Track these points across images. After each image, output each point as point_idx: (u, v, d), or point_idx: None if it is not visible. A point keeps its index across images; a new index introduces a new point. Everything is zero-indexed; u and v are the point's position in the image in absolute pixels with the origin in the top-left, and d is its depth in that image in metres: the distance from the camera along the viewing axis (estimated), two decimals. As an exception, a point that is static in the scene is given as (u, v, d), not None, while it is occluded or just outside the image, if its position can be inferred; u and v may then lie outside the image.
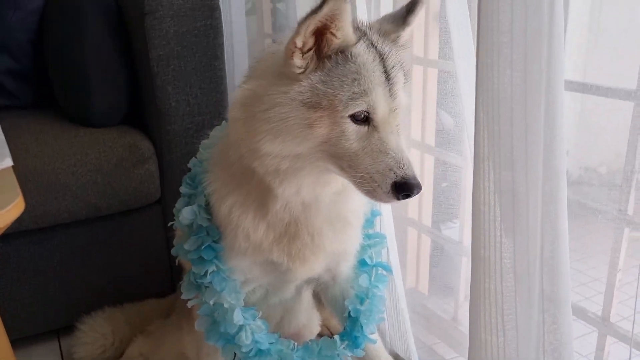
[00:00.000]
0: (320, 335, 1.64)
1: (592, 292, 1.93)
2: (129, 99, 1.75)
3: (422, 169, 1.65)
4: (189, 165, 1.30)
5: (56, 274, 1.68)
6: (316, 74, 1.01)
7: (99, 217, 1.68)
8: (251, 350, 1.25)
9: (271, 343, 1.28)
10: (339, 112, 0.98)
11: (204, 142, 1.30)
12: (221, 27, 1.68)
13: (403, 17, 1.09)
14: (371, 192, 0.99)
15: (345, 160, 1.00)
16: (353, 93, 0.98)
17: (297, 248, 1.17)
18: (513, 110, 0.86)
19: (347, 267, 1.32)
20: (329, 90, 0.99)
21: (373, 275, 1.32)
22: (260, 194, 1.13)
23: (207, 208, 1.20)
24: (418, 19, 1.08)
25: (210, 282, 1.20)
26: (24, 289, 1.65)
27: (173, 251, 1.28)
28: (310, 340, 1.35)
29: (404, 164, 0.97)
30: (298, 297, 1.44)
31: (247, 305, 1.30)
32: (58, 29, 1.74)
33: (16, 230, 1.54)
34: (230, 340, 1.25)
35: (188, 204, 1.24)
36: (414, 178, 0.96)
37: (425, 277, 1.76)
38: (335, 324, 1.72)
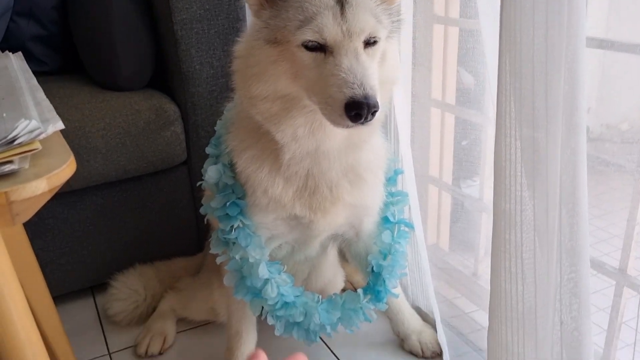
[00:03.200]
0: (344, 290, 1.69)
1: (611, 248, 1.95)
2: (153, 63, 1.78)
3: (442, 127, 1.67)
4: (215, 127, 1.35)
5: (89, 234, 1.75)
6: (267, 11, 1.05)
7: (128, 179, 1.73)
8: (277, 302, 1.30)
9: (296, 296, 1.33)
10: (292, 43, 1.01)
11: (228, 104, 1.34)
12: (243, -12, 1.69)
13: None
14: (329, 116, 0.99)
15: (310, 90, 1.03)
16: (299, 21, 1.00)
17: (318, 201, 1.22)
18: (534, 68, 0.88)
19: (370, 223, 1.36)
20: (279, 23, 1.03)
21: (395, 232, 1.36)
22: (273, 148, 1.17)
23: (232, 167, 1.25)
24: None
25: (236, 238, 1.26)
26: (59, 249, 1.72)
27: (202, 210, 1.33)
28: (335, 294, 1.40)
29: (353, 84, 0.94)
30: (324, 253, 1.48)
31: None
32: (82, -6, 1.76)
33: (51, 192, 1.60)
34: (257, 294, 1.30)
35: (214, 164, 1.29)
36: (365, 97, 0.93)
37: (445, 234, 1.80)
38: (359, 279, 1.78)
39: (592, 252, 1.88)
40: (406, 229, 1.39)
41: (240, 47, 1.14)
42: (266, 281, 1.29)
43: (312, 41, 0.99)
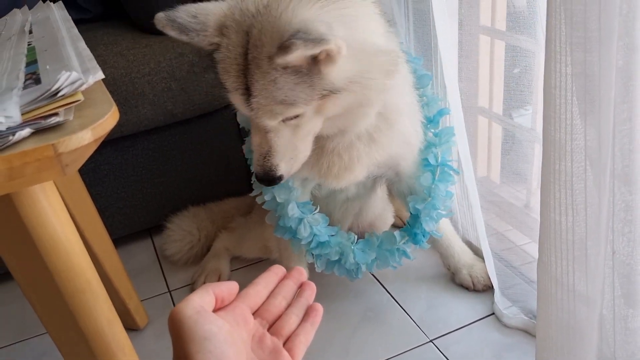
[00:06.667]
0: (394, 225, 1.70)
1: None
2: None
3: (492, 55, 1.60)
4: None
5: (143, 179, 1.80)
6: None
7: (176, 123, 1.77)
8: (311, 241, 1.32)
9: (331, 235, 1.35)
10: None
11: None
12: None
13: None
14: None
15: None
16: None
17: (326, 167, 1.20)
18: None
19: (408, 165, 1.33)
20: None
21: (437, 174, 1.34)
22: None
23: None
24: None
25: None
26: (116, 194, 1.78)
27: (245, 153, 1.36)
28: (372, 234, 1.40)
29: (258, 162, 1.06)
30: (372, 190, 1.48)
31: (318, 201, 1.38)
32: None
33: (104, 140, 1.65)
34: (294, 233, 1.33)
35: None
36: (264, 174, 1.06)
37: (496, 166, 1.76)
38: (407, 215, 1.78)
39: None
40: (450, 172, 1.36)
41: None
42: (299, 220, 1.31)
43: None
